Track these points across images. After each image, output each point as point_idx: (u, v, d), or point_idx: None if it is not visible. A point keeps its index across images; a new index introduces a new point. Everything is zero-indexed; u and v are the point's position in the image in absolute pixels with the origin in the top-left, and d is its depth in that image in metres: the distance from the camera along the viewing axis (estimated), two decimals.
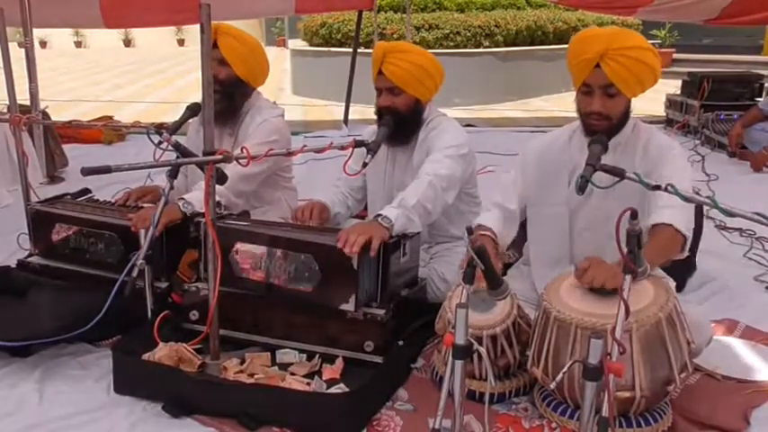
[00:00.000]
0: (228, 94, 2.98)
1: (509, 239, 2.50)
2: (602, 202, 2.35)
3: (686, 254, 2.24)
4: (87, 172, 2.05)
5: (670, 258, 2.20)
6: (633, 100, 2.34)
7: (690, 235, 2.20)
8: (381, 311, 2.36)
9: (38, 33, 12.38)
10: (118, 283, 2.32)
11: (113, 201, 3.12)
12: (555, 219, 2.47)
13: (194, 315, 2.55)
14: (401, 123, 2.72)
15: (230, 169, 2.33)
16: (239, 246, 2.44)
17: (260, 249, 2.42)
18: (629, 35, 2.25)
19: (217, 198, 2.60)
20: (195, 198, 2.73)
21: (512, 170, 2.58)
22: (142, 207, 2.97)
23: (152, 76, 15.09)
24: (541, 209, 2.50)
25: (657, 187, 1.74)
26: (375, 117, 2.79)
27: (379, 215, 2.44)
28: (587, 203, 2.40)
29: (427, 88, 2.75)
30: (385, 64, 2.67)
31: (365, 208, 3.11)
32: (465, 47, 10.06)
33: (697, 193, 1.98)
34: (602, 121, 2.27)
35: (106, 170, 2.07)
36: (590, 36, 2.27)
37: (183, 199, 2.78)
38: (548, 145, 2.52)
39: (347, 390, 2.22)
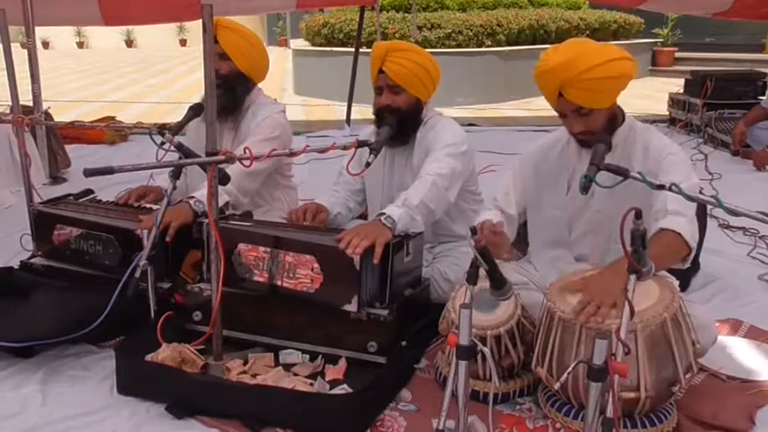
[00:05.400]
0: (230, 89, 2.98)
1: (510, 240, 2.50)
2: (603, 205, 2.34)
3: (687, 265, 2.23)
4: (89, 173, 2.04)
5: (668, 266, 2.20)
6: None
7: (695, 248, 2.18)
8: (385, 312, 2.36)
9: (40, 34, 12.40)
10: (120, 284, 2.31)
11: (115, 200, 3.11)
12: (553, 222, 2.47)
13: (197, 316, 2.55)
14: (402, 123, 2.71)
15: (235, 165, 2.31)
16: (242, 246, 2.44)
17: (263, 250, 2.42)
18: (582, 56, 2.16)
19: (225, 198, 2.58)
20: (205, 196, 2.71)
21: (509, 172, 2.58)
22: (145, 207, 2.97)
23: (154, 76, 15.10)
24: (540, 211, 2.51)
25: (662, 186, 1.74)
26: (374, 118, 2.78)
27: (382, 214, 2.44)
28: (588, 207, 2.39)
29: (427, 88, 2.75)
30: (387, 63, 2.66)
31: (367, 208, 3.10)
32: (467, 46, 10.05)
33: (700, 192, 1.98)
34: (589, 136, 2.26)
35: (108, 171, 2.06)
36: (545, 71, 2.21)
37: (193, 197, 2.75)
38: (546, 150, 2.51)
39: (350, 390, 2.22)
